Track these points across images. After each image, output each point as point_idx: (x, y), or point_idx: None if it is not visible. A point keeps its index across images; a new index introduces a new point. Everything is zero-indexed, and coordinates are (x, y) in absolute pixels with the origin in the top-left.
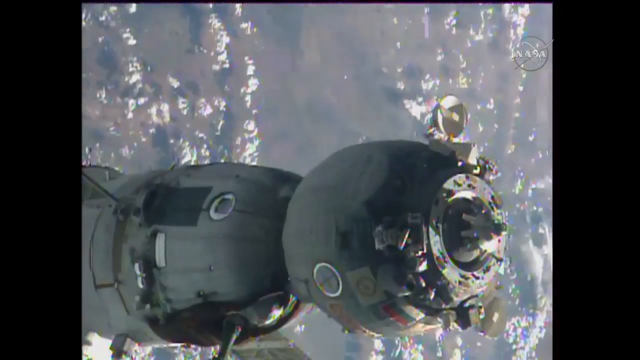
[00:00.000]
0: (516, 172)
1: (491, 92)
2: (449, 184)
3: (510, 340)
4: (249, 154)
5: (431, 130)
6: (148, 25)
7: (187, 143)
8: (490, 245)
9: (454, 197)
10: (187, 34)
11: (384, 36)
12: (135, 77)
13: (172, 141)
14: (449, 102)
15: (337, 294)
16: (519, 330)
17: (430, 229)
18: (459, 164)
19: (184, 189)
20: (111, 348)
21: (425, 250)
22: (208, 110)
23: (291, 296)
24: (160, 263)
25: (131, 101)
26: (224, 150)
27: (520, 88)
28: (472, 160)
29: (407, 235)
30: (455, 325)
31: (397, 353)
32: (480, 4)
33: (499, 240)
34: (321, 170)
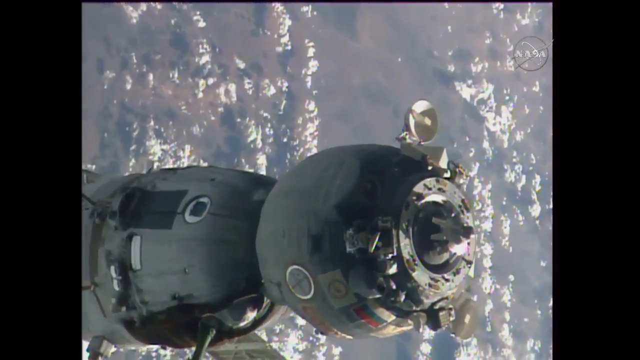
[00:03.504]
0: None
1: (536, 75)
2: (419, 188)
3: None
4: (310, 133)
5: (403, 135)
6: (216, 8)
7: (252, 122)
8: (459, 248)
9: (424, 200)
10: (251, 17)
11: (435, 20)
12: (205, 58)
13: (238, 120)
14: (420, 106)
15: (309, 296)
16: None
17: (401, 232)
18: (429, 167)
19: (159, 193)
20: (88, 350)
21: (395, 253)
22: (272, 91)
23: (265, 298)
24: (135, 266)
25: (201, 81)
26: (286, 129)
27: None
28: (442, 164)
29: (377, 239)
30: (426, 327)
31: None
32: None
33: (469, 244)
34: (294, 174)
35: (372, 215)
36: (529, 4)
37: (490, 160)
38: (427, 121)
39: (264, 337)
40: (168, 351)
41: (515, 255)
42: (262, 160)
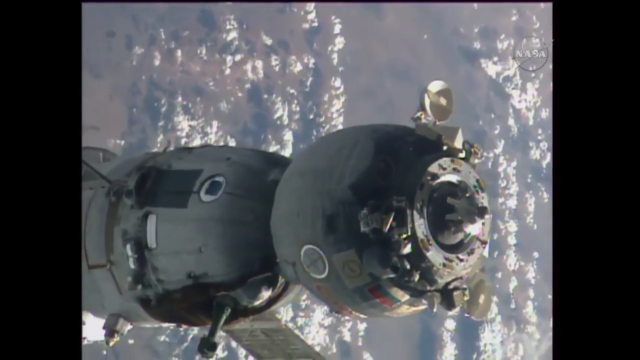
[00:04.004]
0: None
1: None
2: (434, 168)
3: None
4: (336, 110)
5: (418, 115)
6: None
7: (279, 99)
8: (474, 228)
9: (439, 180)
10: None
11: None
12: (232, 35)
13: (265, 97)
14: (436, 86)
15: (324, 276)
16: None
17: (415, 212)
18: (444, 147)
19: (175, 172)
20: (104, 327)
21: (409, 233)
22: (298, 68)
23: (280, 278)
24: (151, 244)
25: (229, 57)
26: (312, 106)
27: None
28: (457, 143)
29: (391, 219)
30: (440, 306)
31: None
32: None
33: (483, 224)
34: (309, 154)
35: (386, 195)
36: None
37: (515, 137)
38: (443, 101)
39: (290, 312)
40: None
41: (540, 232)
42: (288, 136)
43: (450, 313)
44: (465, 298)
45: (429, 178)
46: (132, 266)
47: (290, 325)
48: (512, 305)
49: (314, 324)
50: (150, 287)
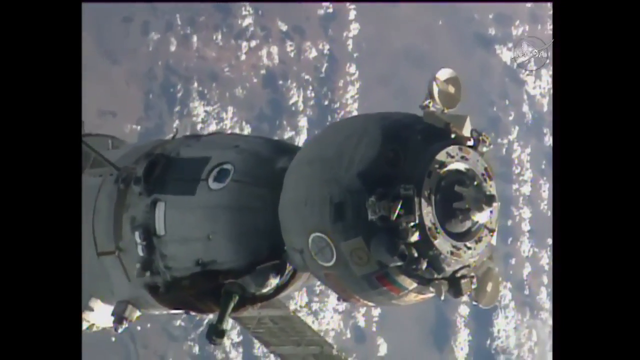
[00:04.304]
0: None
1: None
2: (441, 156)
3: None
4: (351, 96)
5: (426, 103)
6: None
7: (294, 85)
8: (482, 217)
9: (447, 168)
10: None
11: None
12: (248, 21)
13: (280, 82)
14: (444, 74)
15: (331, 263)
16: None
17: (423, 200)
18: (452, 135)
19: (183, 159)
20: (113, 314)
21: (417, 221)
22: (313, 53)
23: (288, 265)
24: (160, 232)
25: (244, 43)
26: (327, 92)
27: None
28: (465, 132)
29: (399, 207)
30: (448, 294)
31: None
32: None
33: (491, 212)
34: (317, 142)
35: (394, 183)
36: None
37: (529, 124)
38: (451, 89)
39: (305, 297)
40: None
41: None
42: (303, 122)
43: (464, 299)
44: (473, 286)
45: (436, 166)
46: (141, 253)
47: (304, 310)
48: (526, 292)
49: (329, 309)
50: (158, 274)
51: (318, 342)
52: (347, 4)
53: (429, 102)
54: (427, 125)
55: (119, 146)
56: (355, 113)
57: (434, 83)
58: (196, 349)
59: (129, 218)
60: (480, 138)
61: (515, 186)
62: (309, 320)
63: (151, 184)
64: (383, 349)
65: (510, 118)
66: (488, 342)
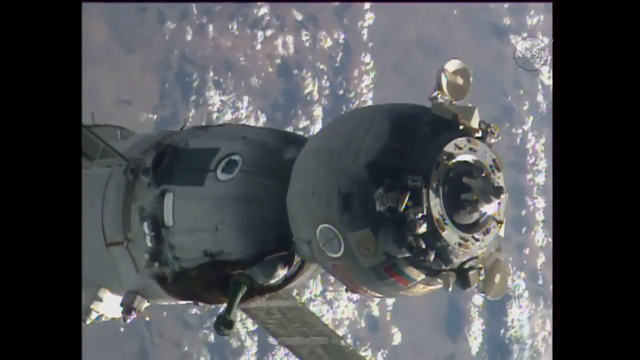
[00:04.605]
0: None
1: None
2: (450, 147)
3: None
4: (365, 85)
5: (435, 94)
6: None
7: (309, 74)
8: (490, 208)
9: (455, 160)
10: None
11: None
12: (263, 10)
13: (295, 72)
14: (453, 65)
15: (339, 254)
16: None
17: (431, 192)
18: (460, 127)
19: (192, 150)
20: (122, 304)
21: (425, 213)
22: (328, 43)
23: (296, 256)
24: (168, 222)
25: (259, 33)
26: (342, 81)
27: None
28: (474, 123)
29: (407, 198)
30: (456, 286)
31: None
32: None
33: (499, 203)
34: (325, 133)
35: (402, 174)
36: None
37: (544, 113)
38: (460, 80)
39: (319, 286)
40: None
41: None
42: (318, 112)
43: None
44: (481, 278)
45: (444, 157)
46: (149, 244)
47: (318, 299)
48: (540, 281)
49: (343, 298)
50: (166, 264)
51: (326, 333)
52: None
53: (438, 94)
54: (435, 116)
55: (127, 137)
56: (370, 103)
57: (443, 74)
58: (212, 337)
59: (137, 209)
60: (489, 129)
61: (529, 176)
62: (323, 309)
63: (159, 175)
64: (397, 338)
65: (525, 108)
66: (502, 331)
